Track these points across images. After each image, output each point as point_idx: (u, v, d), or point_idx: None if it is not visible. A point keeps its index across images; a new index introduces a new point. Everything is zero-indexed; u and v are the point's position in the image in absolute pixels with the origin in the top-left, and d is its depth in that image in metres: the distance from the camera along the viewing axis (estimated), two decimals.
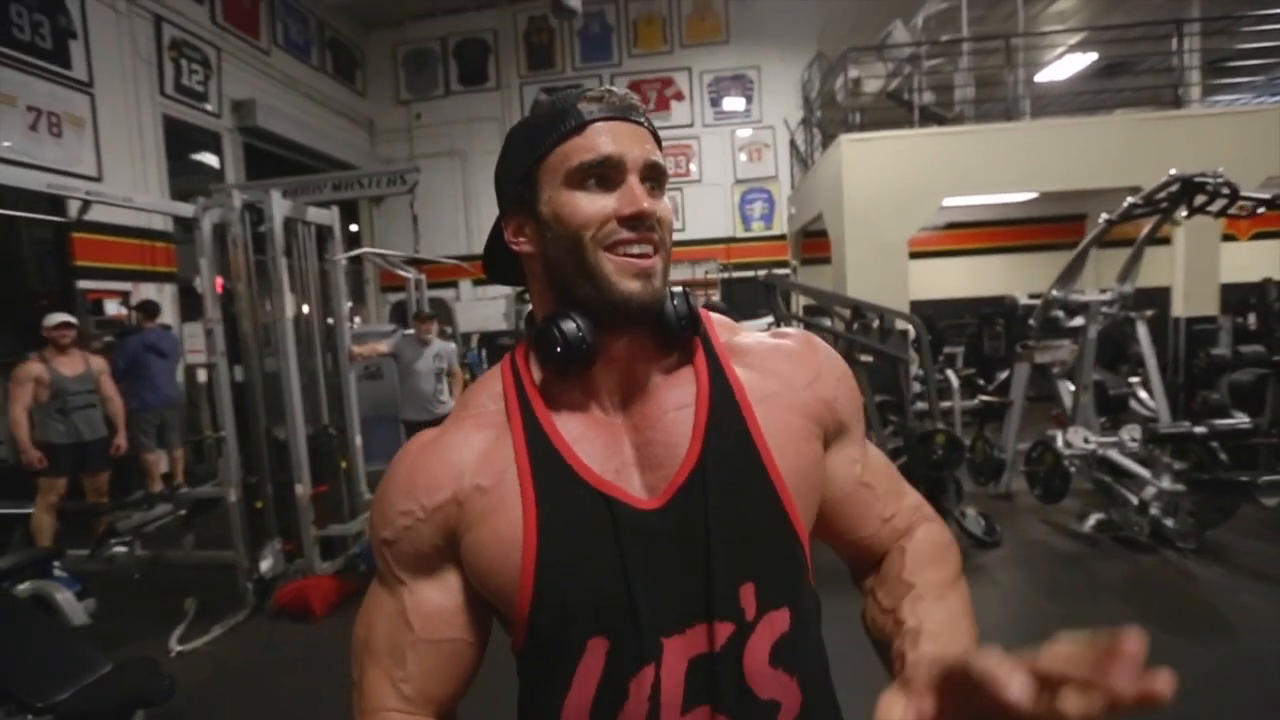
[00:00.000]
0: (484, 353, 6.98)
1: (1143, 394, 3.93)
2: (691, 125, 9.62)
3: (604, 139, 0.57)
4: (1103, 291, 3.87)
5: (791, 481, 0.58)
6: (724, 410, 0.60)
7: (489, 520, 0.57)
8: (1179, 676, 0.43)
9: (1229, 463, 3.22)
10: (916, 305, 5.58)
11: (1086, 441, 3.67)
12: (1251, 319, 7.07)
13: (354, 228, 9.54)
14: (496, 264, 0.68)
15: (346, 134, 9.13)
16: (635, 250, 0.57)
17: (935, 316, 6.77)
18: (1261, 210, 3.28)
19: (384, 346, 4.40)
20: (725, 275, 8.78)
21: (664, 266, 0.59)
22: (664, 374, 0.62)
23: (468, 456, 0.59)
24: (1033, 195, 7.16)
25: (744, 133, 9.54)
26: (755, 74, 9.46)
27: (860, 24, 7.71)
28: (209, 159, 6.97)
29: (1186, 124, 5.95)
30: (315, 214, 3.61)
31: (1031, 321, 4.15)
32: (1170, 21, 6.48)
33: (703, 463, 0.57)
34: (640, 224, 0.57)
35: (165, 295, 5.86)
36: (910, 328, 3.92)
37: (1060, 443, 3.77)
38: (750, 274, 7.99)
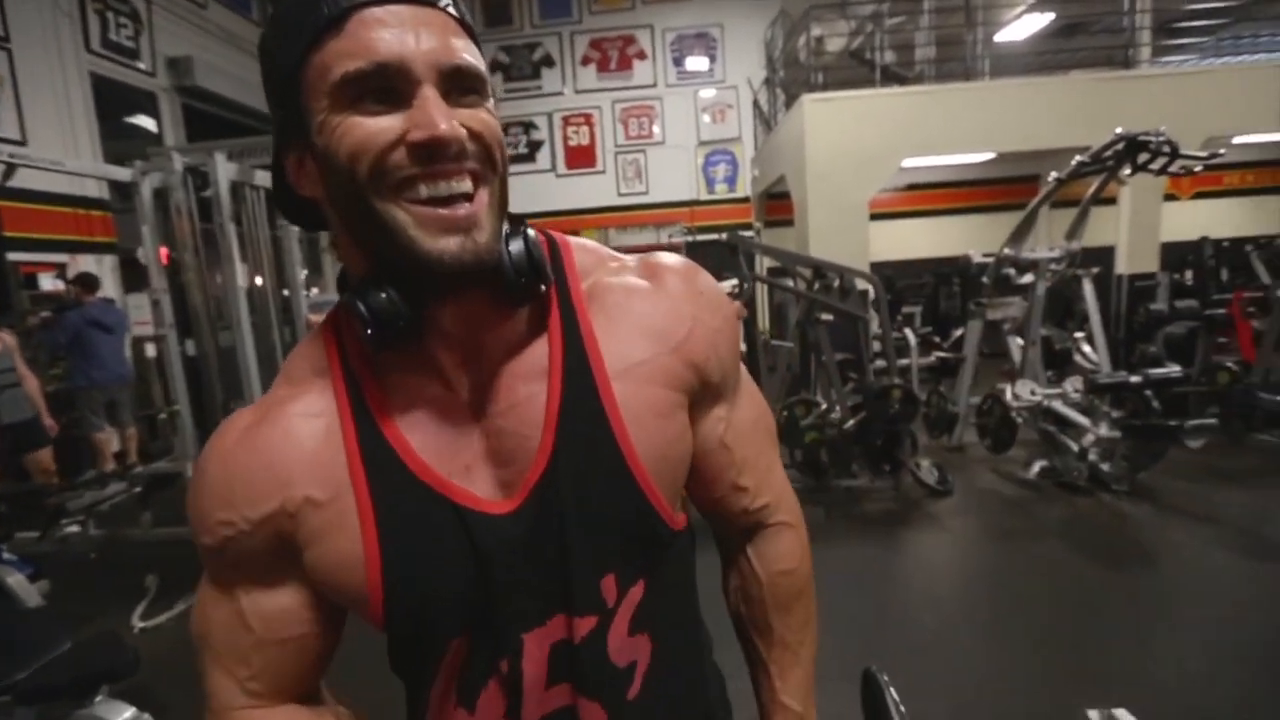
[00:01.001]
0: None
1: (1086, 348, 4.09)
2: (654, 86, 9.43)
3: (376, 35, 0.42)
4: (1052, 249, 3.99)
5: (653, 467, 0.52)
6: (578, 392, 0.50)
7: (327, 539, 0.48)
8: (1113, 604, 0.48)
9: (1161, 410, 3.41)
10: (877, 266, 5.67)
11: (1033, 394, 3.83)
12: (1189, 275, 7.42)
13: None
14: (291, 203, 0.52)
15: None
16: (440, 192, 0.44)
17: (894, 276, 6.91)
18: (1199, 169, 3.40)
19: None
20: (690, 238, 8.76)
21: (494, 202, 0.46)
22: (512, 342, 0.51)
23: (293, 458, 0.49)
24: (990, 156, 7.28)
25: (707, 93, 9.40)
26: (718, 32, 9.29)
27: None
28: (145, 122, 6.56)
29: (1135, 84, 6.08)
30: (264, 178, 3.46)
31: (985, 279, 4.26)
32: None
33: (555, 459, 0.50)
34: (439, 153, 0.43)
35: (105, 267, 5.57)
36: (870, 287, 3.99)
37: (1009, 395, 3.92)
38: (715, 236, 7.99)
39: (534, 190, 9.52)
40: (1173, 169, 3.41)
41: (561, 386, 0.51)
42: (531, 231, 0.50)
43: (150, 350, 5.56)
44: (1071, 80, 6.50)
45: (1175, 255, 6.67)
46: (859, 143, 5.71)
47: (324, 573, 0.49)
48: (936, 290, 7.21)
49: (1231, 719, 1.88)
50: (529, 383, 0.51)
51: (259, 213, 3.45)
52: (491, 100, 0.47)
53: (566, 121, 9.49)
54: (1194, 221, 8.14)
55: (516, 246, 0.49)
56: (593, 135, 9.50)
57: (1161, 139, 3.31)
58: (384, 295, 0.46)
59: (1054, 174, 3.83)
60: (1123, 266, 6.19)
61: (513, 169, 9.20)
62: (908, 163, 6.24)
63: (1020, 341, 4.06)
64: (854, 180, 5.77)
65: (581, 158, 9.55)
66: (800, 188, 6.09)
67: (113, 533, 3.68)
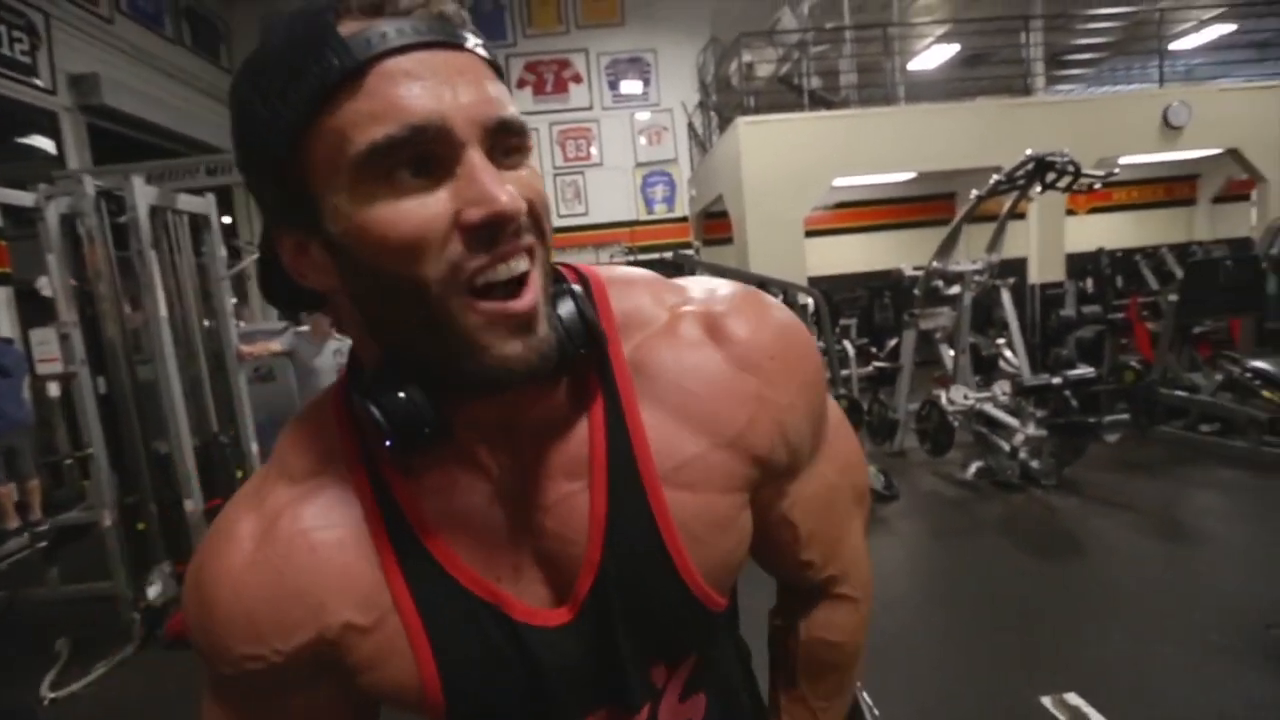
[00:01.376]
0: None
1: (1008, 353, 4.37)
2: (591, 109, 9.53)
3: (405, 90, 0.34)
4: (974, 262, 4.25)
5: (709, 576, 0.46)
6: (625, 498, 0.44)
7: (380, 667, 0.43)
8: (1051, 593, 0.51)
9: (1079, 408, 3.68)
10: (813, 280, 5.89)
11: (966, 398, 4.05)
12: (1089, 283, 8.08)
13: (227, 219, 8.70)
14: (282, 289, 0.44)
15: (213, 114, 8.26)
16: (500, 276, 0.36)
17: (830, 290, 7.18)
18: (1098, 186, 3.73)
19: (277, 345, 4.09)
20: (631, 259, 8.83)
21: (546, 279, 0.40)
22: (551, 421, 0.44)
23: (322, 580, 0.42)
24: (911, 175, 7.72)
25: (643, 116, 9.58)
26: (652, 57, 9.51)
27: (750, 10, 7.93)
28: (43, 143, 6.08)
29: (1034, 110, 6.62)
30: (188, 202, 3.27)
31: (916, 291, 4.49)
32: (1018, 17, 7.17)
33: (604, 573, 0.45)
34: (502, 232, 0.36)
35: None
36: (811, 300, 4.14)
37: (944, 401, 4.13)
38: (655, 256, 8.08)
39: None
40: (1076, 186, 3.73)
41: (607, 490, 0.44)
42: (577, 288, 0.42)
43: (53, 390, 5.10)
44: (978, 106, 7.02)
45: (1076, 265, 7.24)
46: (792, 163, 5.96)
47: (379, 694, 0.44)
48: (871, 302, 7.54)
49: (1167, 692, 2.02)
50: (570, 479, 0.44)
51: (182, 239, 3.25)
52: (531, 152, 0.40)
53: None
54: (1091, 234, 8.87)
55: (567, 309, 0.41)
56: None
57: (1066, 159, 3.62)
58: (404, 397, 0.38)
59: (974, 191, 4.11)
60: (1035, 276, 6.69)
61: None
62: (838, 181, 6.55)
63: (951, 350, 4.29)
64: (789, 199, 6.00)
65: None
66: (738, 206, 6.28)
67: (13, 592, 3.32)
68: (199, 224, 3.37)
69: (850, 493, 0.56)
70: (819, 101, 7.15)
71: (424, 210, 0.35)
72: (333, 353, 4.18)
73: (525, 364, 0.38)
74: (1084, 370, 3.82)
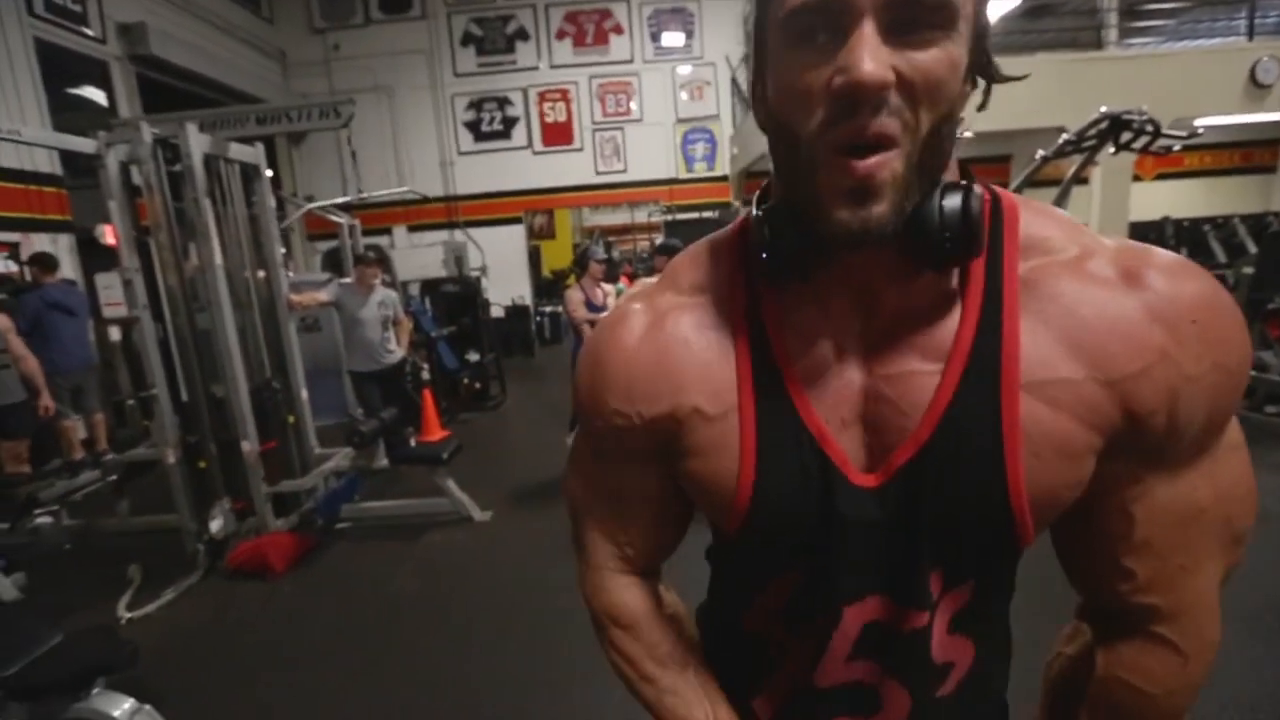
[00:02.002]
0: (427, 300, 6.73)
1: None
2: (631, 61, 9.28)
3: None
4: None
5: (1036, 503, 0.45)
6: (976, 392, 0.45)
7: (709, 455, 0.51)
8: None
9: None
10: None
11: None
12: None
13: (269, 171, 8.85)
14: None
15: (255, 65, 8.30)
16: (851, 142, 0.40)
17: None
18: (1177, 148, 3.50)
19: (323, 295, 4.17)
20: (668, 217, 8.72)
21: (906, 169, 0.41)
22: (918, 305, 0.47)
23: (689, 367, 0.51)
24: (969, 135, 7.36)
25: (684, 70, 9.29)
26: (695, 7, 9.16)
27: None
28: (94, 94, 6.19)
29: (1105, 66, 6.20)
30: (239, 151, 3.30)
31: None
32: None
33: (926, 453, 0.46)
34: (855, 105, 0.39)
35: (61, 247, 5.28)
36: None
37: None
38: (694, 215, 7.96)
39: (509, 167, 9.34)
40: (1154, 148, 3.50)
41: (959, 379, 0.45)
42: (978, 188, 0.44)
43: (115, 334, 5.32)
44: (1041, 61, 6.60)
45: (1139, 235, 6.88)
46: None
47: (698, 481, 0.52)
48: None
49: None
50: (925, 358, 0.47)
51: (233, 188, 3.30)
52: (954, 35, 0.40)
53: (542, 97, 9.30)
54: (1156, 202, 8.41)
55: (952, 203, 0.43)
56: (569, 111, 9.33)
57: (1145, 117, 3.39)
58: (786, 224, 0.45)
59: (1040, 152, 3.90)
60: None
61: (487, 146, 8.88)
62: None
63: None
64: None
65: (558, 134, 9.38)
66: None
67: (88, 522, 3.54)
68: (249, 174, 3.41)
69: (1221, 529, 0.48)
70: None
71: (813, 69, 0.40)
72: (377, 304, 4.26)
73: (849, 230, 0.41)
74: None
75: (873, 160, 0.40)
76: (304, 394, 3.62)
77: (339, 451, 3.68)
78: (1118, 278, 0.45)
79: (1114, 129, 3.48)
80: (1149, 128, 3.40)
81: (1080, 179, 4.11)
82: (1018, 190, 4.02)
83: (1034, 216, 0.48)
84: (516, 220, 9.71)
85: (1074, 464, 0.45)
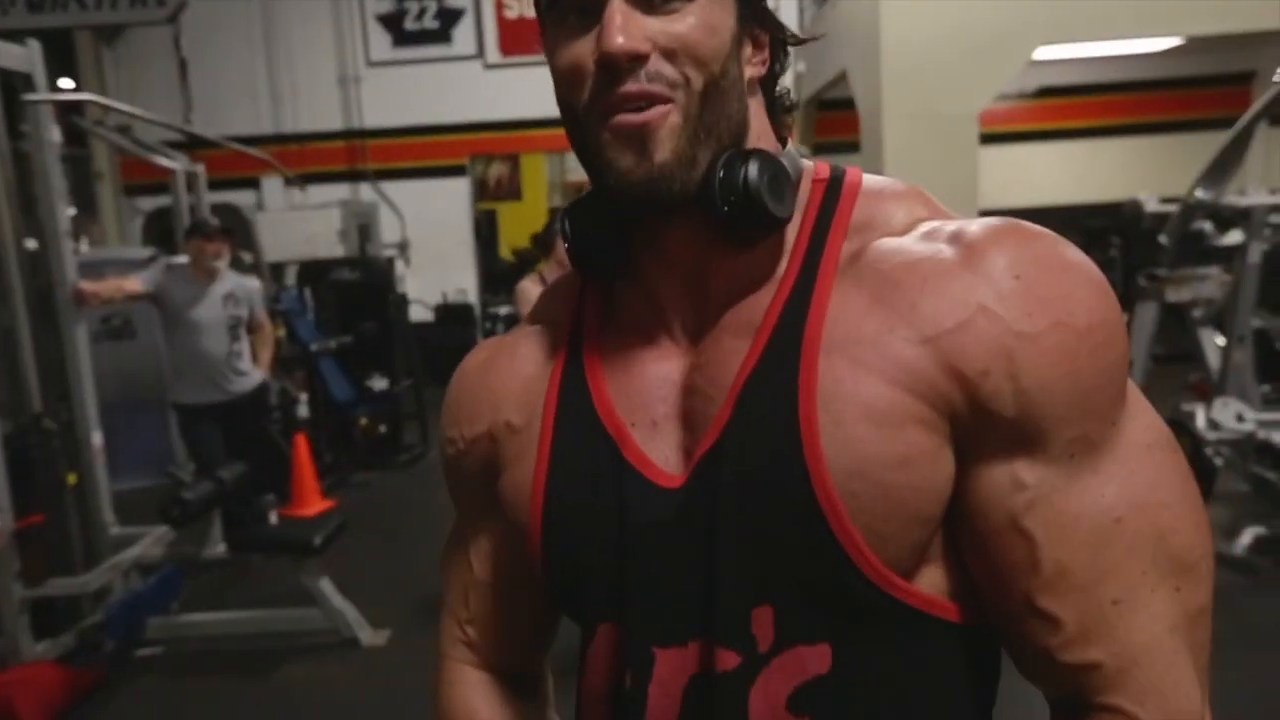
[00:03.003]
0: (307, 293, 6.81)
1: None
2: None
3: None
4: (1274, 192, 4.04)
5: (846, 485, 0.58)
6: (777, 359, 0.61)
7: (513, 465, 0.71)
8: None
9: None
10: (995, 214, 5.72)
11: (1241, 419, 3.88)
12: None
13: (68, 82, 9.01)
14: None
15: None
16: (624, 108, 0.60)
17: None
18: None
19: (136, 283, 4.22)
20: None
21: (686, 121, 0.61)
22: (740, 286, 0.66)
23: (510, 384, 0.74)
24: (1174, 42, 7.36)
25: None
26: None
27: None
28: None
29: None
30: None
31: (1163, 238, 4.30)
32: None
33: (726, 435, 0.62)
34: (617, 74, 0.59)
35: None
36: None
37: (1201, 422, 3.96)
38: None
39: (449, 88, 9.51)
40: None
41: (762, 350, 0.62)
42: (773, 156, 0.63)
43: None
44: None
45: None
46: (963, 23, 5.75)
47: (504, 500, 0.72)
48: (1088, 252, 7.35)
49: None
50: (736, 336, 0.64)
51: None
52: (707, 1, 0.61)
53: None
54: None
55: (731, 174, 0.61)
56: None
57: None
58: (586, 211, 0.67)
59: (1279, 74, 3.89)
60: None
61: (414, 53, 9.00)
62: (1040, 53, 6.29)
63: (1221, 338, 4.11)
64: (956, 81, 5.81)
65: (525, 38, 9.49)
66: (871, 92, 6.14)
67: None
68: (12, 84, 3.45)
69: (1153, 548, 0.58)
70: None
71: (576, 49, 0.61)
72: (222, 299, 4.31)
73: (633, 178, 0.61)
74: None
75: (644, 115, 0.60)
76: (96, 439, 3.64)
77: (149, 532, 3.66)
78: (942, 240, 0.61)
79: None
80: None
81: None
82: (1243, 131, 4.03)
83: (874, 197, 0.66)
84: (459, 170, 9.85)
85: (888, 433, 0.57)
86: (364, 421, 6.33)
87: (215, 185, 7.03)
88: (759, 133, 0.68)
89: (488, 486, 0.74)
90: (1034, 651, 0.60)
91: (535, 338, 0.76)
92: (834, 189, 0.67)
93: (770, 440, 0.60)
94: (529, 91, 9.46)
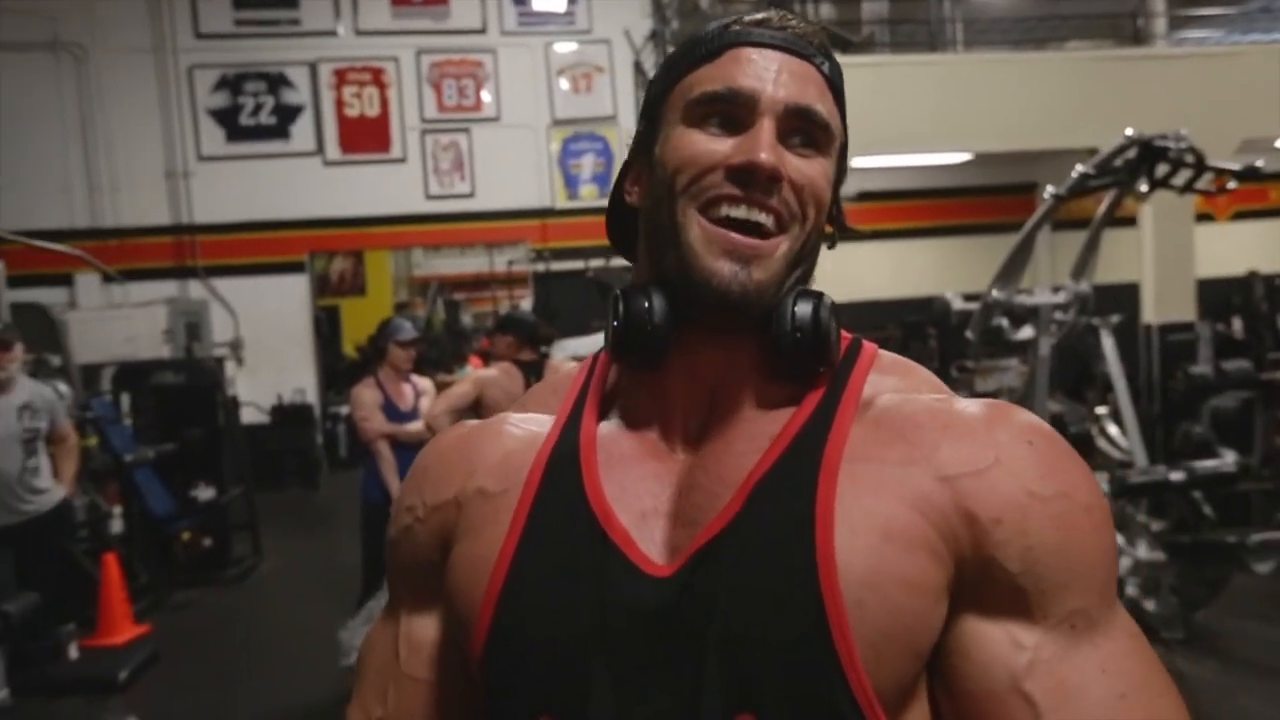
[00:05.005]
0: (124, 399, 6.40)
1: (1111, 429, 4.54)
2: (484, 31, 9.71)
3: (740, 69, 0.66)
4: (1056, 291, 4.43)
5: (854, 593, 0.58)
6: (795, 464, 0.63)
7: (477, 532, 0.69)
8: None
9: (1215, 518, 3.81)
10: None
11: None
12: (1236, 324, 8.54)
13: None
14: (619, 228, 0.79)
15: None
16: (739, 214, 0.64)
17: (845, 327, 7.39)
18: (1234, 185, 3.98)
19: None
20: (540, 267, 8.88)
21: (789, 253, 0.66)
22: (759, 405, 0.68)
23: (492, 454, 0.73)
24: (967, 156, 8.09)
25: (565, 48, 9.81)
26: None
27: None
28: None
29: (1150, 66, 7.09)
30: None
31: (968, 333, 4.62)
32: None
33: (734, 527, 0.62)
34: (752, 181, 0.63)
35: None
36: None
37: None
38: (579, 264, 8.14)
39: (286, 183, 9.35)
40: (1199, 184, 3.97)
41: (780, 455, 0.64)
42: (826, 296, 0.68)
43: None
44: (1069, 57, 7.47)
45: (1217, 296, 7.67)
46: None
47: (455, 572, 0.69)
48: (905, 347, 7.76)
49: None
50: (748, 443, 0.66)
51: None
52: (829, 161, 0.68)
53: (342, 78, 9.49)
54: (1237, 251, 9.44)
55: (805, 307, 0.66)
56: (384, 102, 9.55)
57: (1183, 145, 3.85)
58: (646, 300, 0.67)
59: (1050, 188, 4.32)
60: (1150, 313, 7.03)
61: (249, 149, 8.80)
62: (856, 162, 6.77)
63: None
64: None
65: (367, 136, 9.52)
66: None
67: None
68: None
69: None
70: (834, 42, 7.44)
71: (706, 145, 0.66)
72: (16, 411, 4.01)
73: (723, 284, 0.63)
74: (1222, 460, 3.98)
75: (759, 241, 0.64)
76: None
77: None
78: (957, 403, 0.66)
79: (1145, 158, 3.93)
80: (1188, 157, 3.87)
81: (1119, 219, 4.57)
82: (1028, 236, 4.43)
83: (888, 366, 0.72)
84: (298, 267, 9.62)
85: (903, 552, 0.59)
86: (186, 535, 5.94)
87: (19, 282, 6.63)
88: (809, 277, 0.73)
89: (438, 565, 0.71)
90: None
91: (524, 418, 0.76)
92: (855, 346, 0.72)
93: (780, 537, 0.60)
94: (372, 188, 9.48)
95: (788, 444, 0.64)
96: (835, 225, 0.74)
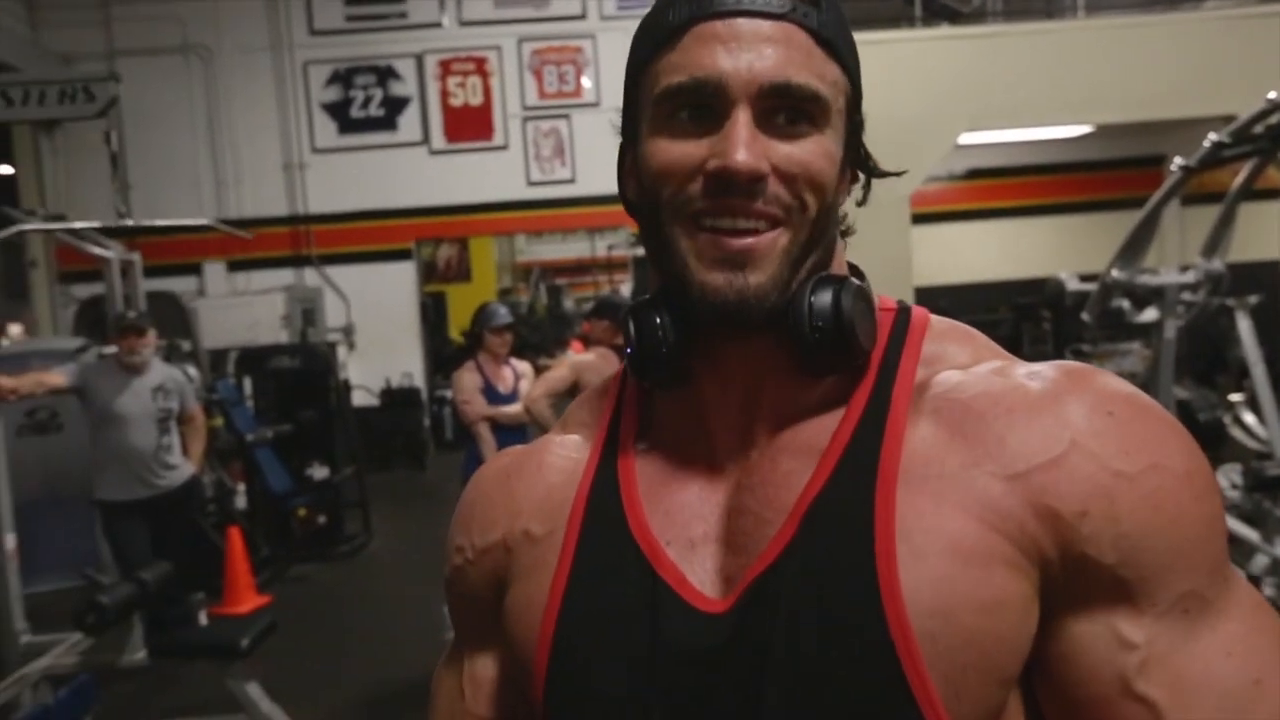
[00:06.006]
0: (247, 383, 6.71)
1: (1249, 417, 4.28)
2: (584, 18, 9.75)
3: (703, 50, 0.59)
4: (1184, 270, 4.19)
5: (923, 624, 0.53)
6: (849, 486, 0.58)
7: (526, 578, 0.68)
8: None
9: None
10: (927, 293, 5.85)
11: None
12: None
13: (7, 169, 8.94)
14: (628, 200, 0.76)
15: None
16: (724, 225, 0.59)
17: (951, 309, 7.18)
18: None
19: (59, 377, 4.13)
20: (640, 252, 8.90)
21: (791, 247, 0.60)
22: (801, 410, 0.64)
23: (535, 491, 0.70)
24: (1087, 129, 7.72)
25: None
26: None
27: None
28: None
29: None
30: None
31: (1085, 315, 4.44)
32: None
33: (785, 559, 0.58)
34: (731, 188, 0.58)
35: None
36: None
37: None
38: None
39: (394, 174, 9.59)
40: None
41: (831, 472, 0.59)
42: (863, 287, 0.62)
43: None
44: (1204, 18, 7.03)
45: None
46: (894, 110, 5.97)
47: (510, 616, 0.68)
48: (1017, 330, 7.50)
49: None
50: (796, 458, 0.62)
51: None
52: (828, 133, 0.61)
53: (446, 69, 9.66)
54: None
55: (823, 297, 0.60)
56: (487, 91, 9.68)
57: None
58: (657, 315, 0.63)
59: (1178, 160, 4.08)
60: None
61: (360, 140, 9.04)
62: (967, 138, 6.55)
63: None
64: (887, 165, 5.92)
65: (470, 125, 9.69)
66: None
67: None
68: None
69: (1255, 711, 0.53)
70: (940, 12, 7.23)
71: (682, 150, 0.60)
72: (151, 392, 4.22)
73: (722, 296, 0.59)
74: None
75: (746, 241, 0.59)
76: (9, 541, 3.52)
77: (62, 639, 3.53)
78: (1020, 376, 0.59)
79: None
80: None
81: (1258, 192, 4.29)
82: (1153, 212, 4.20)
83: (940, 336, 0.65)
84: (405, 254, 9.87)
85: (975, 573, 0.54)
86: (302, 512, 6.19)
87: (153, 272, 6.98)
88: (838, 261, 0.66)
89: (493, 605, 0.70)
90: None
91: (564, 445, 0.73)
92: (903, 320, 0.65)
93: (840, 567, 0.56)
94: (475, 176, 9.65)
95: (838, 458, 0.60)
96: (866, 173, 0.68)
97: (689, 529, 0.63)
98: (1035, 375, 0.59)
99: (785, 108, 0.59)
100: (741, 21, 0.59)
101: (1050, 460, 0.54)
